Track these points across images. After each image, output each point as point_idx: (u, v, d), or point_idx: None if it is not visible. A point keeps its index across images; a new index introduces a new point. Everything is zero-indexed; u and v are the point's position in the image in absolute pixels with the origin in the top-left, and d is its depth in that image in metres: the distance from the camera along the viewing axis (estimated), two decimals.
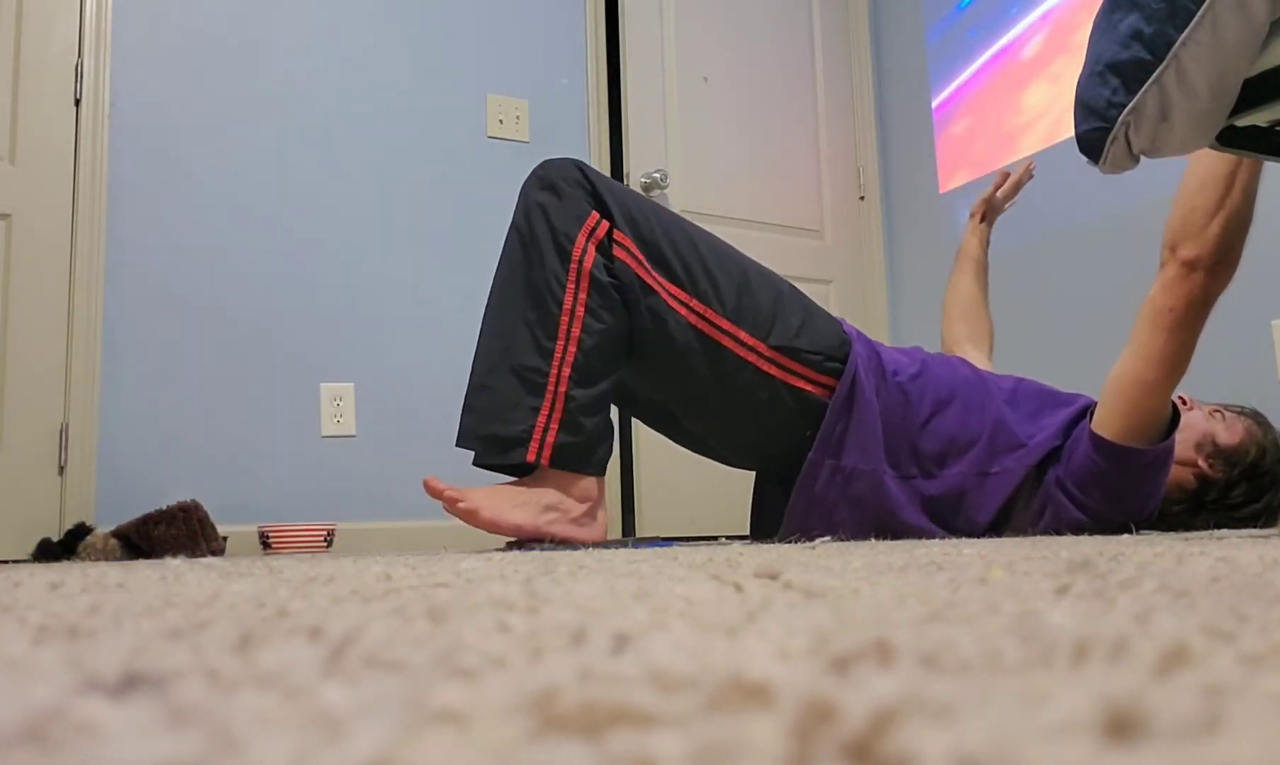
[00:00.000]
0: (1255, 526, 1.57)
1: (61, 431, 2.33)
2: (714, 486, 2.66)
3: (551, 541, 1.43)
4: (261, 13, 2.70)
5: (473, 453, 1.49)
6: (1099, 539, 1.22)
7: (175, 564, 0.93)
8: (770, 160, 3.33)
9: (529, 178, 1.56)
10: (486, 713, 0.20)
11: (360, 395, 2.66)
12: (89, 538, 1.75)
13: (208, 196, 2.57)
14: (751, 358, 1.51)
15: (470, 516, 1.41)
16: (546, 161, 1.56)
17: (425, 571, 0.71)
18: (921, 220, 3.41)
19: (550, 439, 1.43)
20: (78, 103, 2.45)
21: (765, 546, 1.24)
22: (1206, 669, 0.25)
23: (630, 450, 2.96)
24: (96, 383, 2.38)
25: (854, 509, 1.53)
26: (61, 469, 2.32)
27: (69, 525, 1.99)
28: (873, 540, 1.39)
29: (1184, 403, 1.59)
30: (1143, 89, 0.98)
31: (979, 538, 1.46)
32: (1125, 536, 1.32)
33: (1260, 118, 1.05)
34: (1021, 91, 3.07)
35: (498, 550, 1.41)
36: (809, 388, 1.53)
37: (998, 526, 1.56)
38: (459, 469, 1.55)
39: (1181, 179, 1.37)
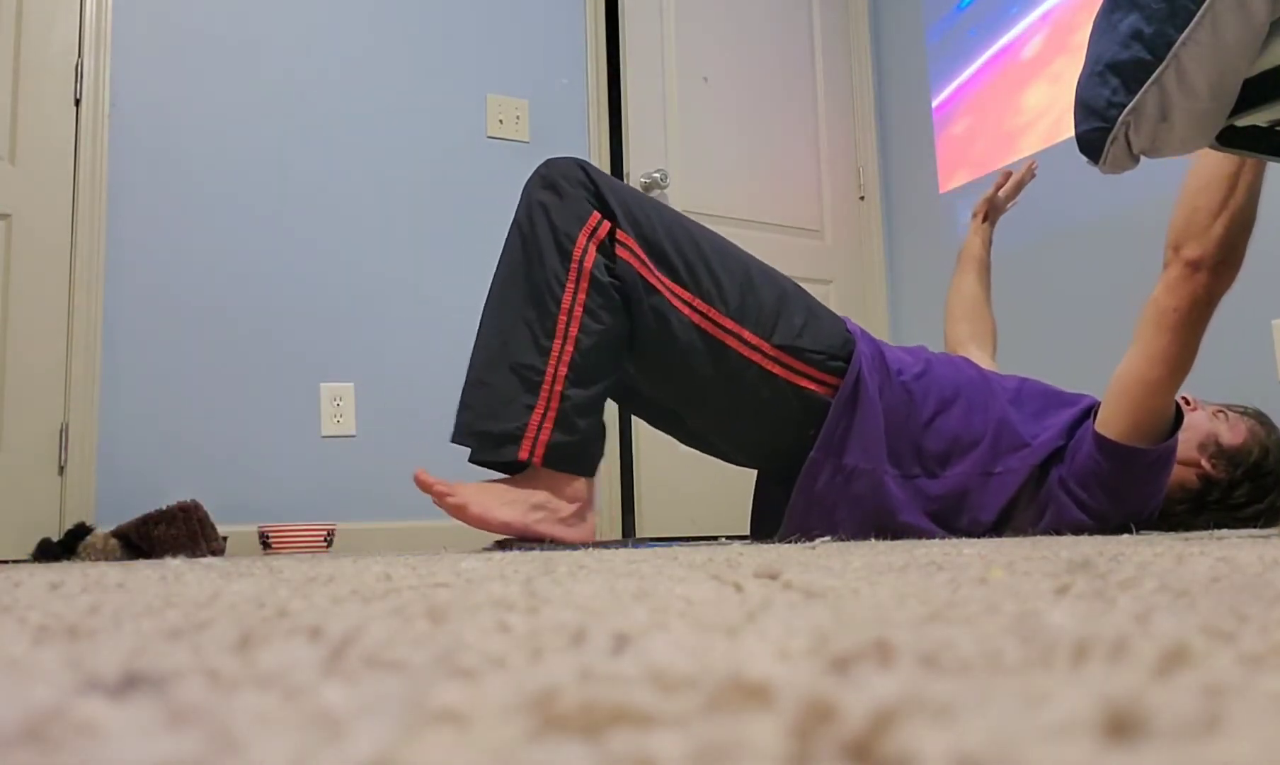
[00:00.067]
0: (1258, 526, 1.57)
1: (61, 431, 2.33)
2: (714, 486, 2.66)
3: (539, 540, 1.43)
4: (261, 13, 2.70)
5: (468, 449, 1.50)
6: (1099, 539, 1.22)
7: (175, 564, 0.93)
8: (770, 160, 3.33)
9: (531, 176, 1.56)
10: (486, 713, 0.20)
11: (360, 395, 2.66)
12: (89, 538, 1.75)
13: (208, 196, 2.57)
14: (755, 357, 1.51)
15: (458, 511, 1.41)
16: (549, 160, 1.56)
17: (425, 571, 0.71)
18: (921, 220, 3.41)
19: (544, 437, 1.43)
20: (78, 103, 2.45)
21: (765, 546, 1.24)
22: (1206, 669, 0.25)
23: (630, 450, 2.96)
24: (96, 383, 2.38)
25: (854, 508, 1.53)
26: (61, 469, 2.32)
27: (69, 525, 1.99)
28: (873, 540, 1.39)
29: (1187, 403, 1.60)
30: (1143, 89, 0.98)
31: (980, 537, 1.46)
32: (1125, 536, 1.32)
33: (1260, 118, 1.05)
34: (1021, 91, 3.07)
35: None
36: (812, 387, 1.53)
37: (999, 526, 1.56)
38: (459, 469, 1.55)
39: (1185, 179, 1.37)
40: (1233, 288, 1.39)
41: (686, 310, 1.50)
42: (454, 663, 0.27)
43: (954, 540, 1.31)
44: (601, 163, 3.07)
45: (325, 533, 2.28)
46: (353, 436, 2.63)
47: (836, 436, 1.52)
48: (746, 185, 3.26)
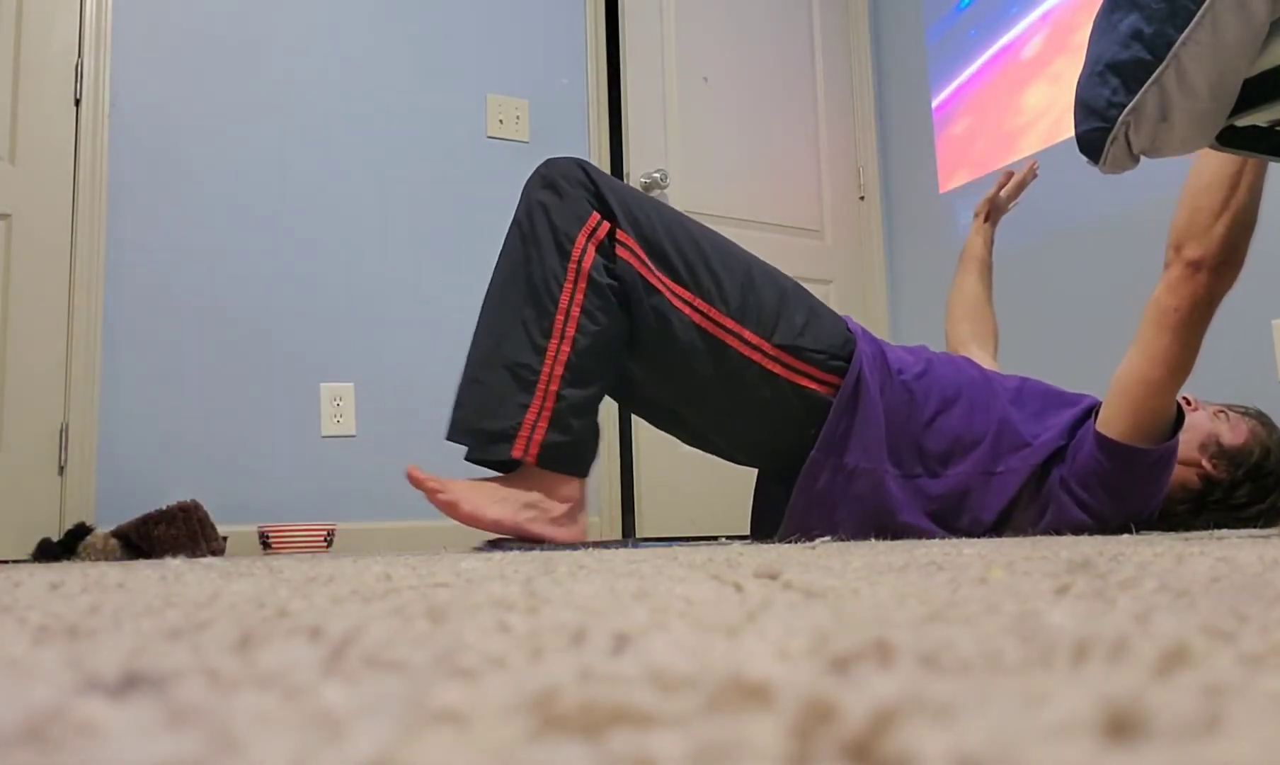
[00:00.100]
0: (1259, 526, 1.57)
1: (61, 431, 2.33)
2: (714, 486, 2.66)
3: (530, 540, 1.42)
4: (261, 13, 2.70)
5: (463, 447, 1.50)
6: (1099, 539, 1.22)
7: (175, 564, 0.93)
8: (770, 160, 3.33)
9: (532, 176, 1.56)
10: (486, 713, 0.20)
11: (360, 395, 2.66)
12: (89, 538, 1.75)
13: (208, 196, 2.57)
14: (755, 356, 1.51)
15: (449, 509, 1.41)
16: (550, 160, 1.56)
17: (425, 571, 0.71)
18: (921, 220, 3.41)
19: (538, 437, 1.43)
20: (78, 103, 2.45)
21: (765, 546, 1.24)
22: (1206, 669, 0.25)
23: (630, 450, 2.96)
24: (96, 383, 2.38)
25: (854, 508, 1.53)
26: (61, 469, 2.32)
27: (69, 525, 1.99)
28: (873, 540, 1.39)
29: (1188, 403, 1.60)
30: (1143, 89, 0.98)
31: (980, 537, 1.46)
32: (1125, 536, 1.32)
33: (1260, 118, 1.05)
34: (1021, 91, 3.07)
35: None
36: (813, 386, 1.53)
37: (999, 526, 1.56)
38: (458, 468, 1.55)
39: (1186, 179, 1.37)
40: (1233, 288, 1.39)
41: (687, 310, 1.50)
42: (454, 663, 0.27)
43: (954, 540, 1.31)
44: (601, 163, 3.07)
45: (325, 533, 2.28)
46: (353, 436, 2.63)
47: (837, 436, 1.52)
48: (746, 185, 3.26)
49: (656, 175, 3.05)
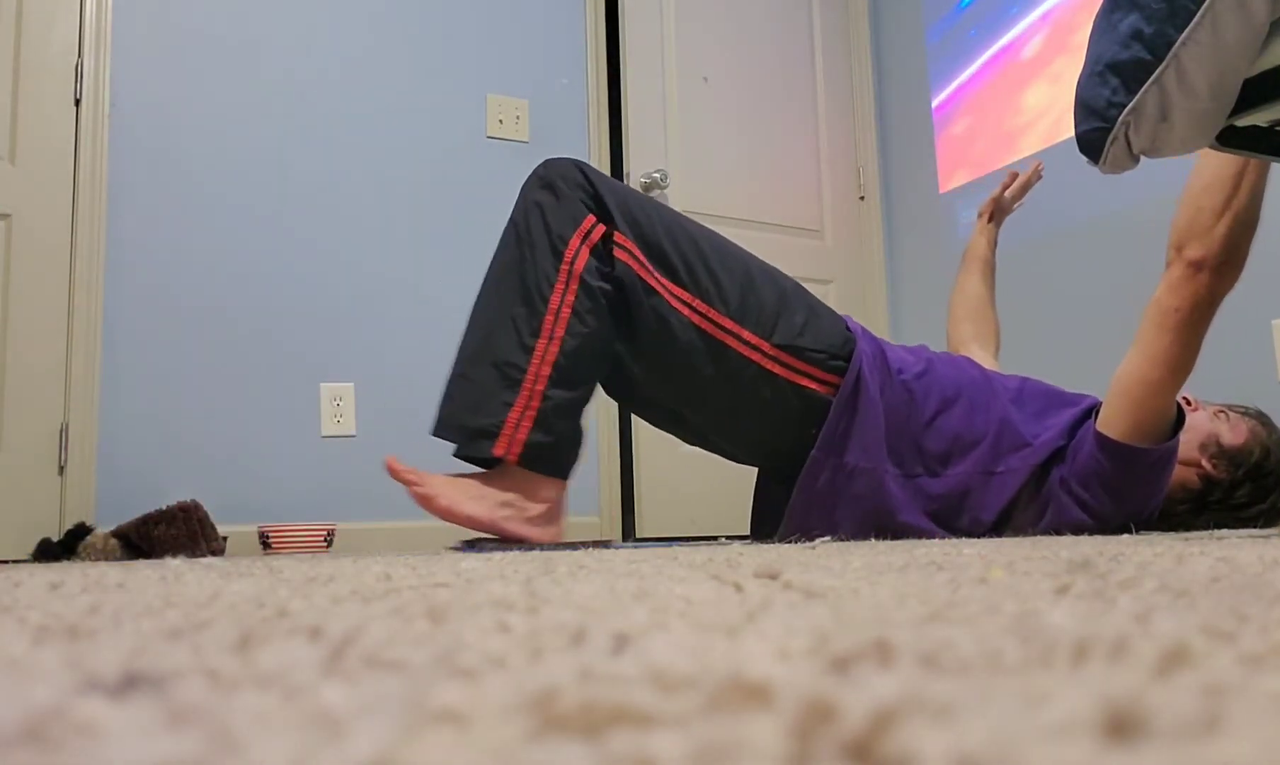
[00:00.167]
0: (1259, 526, 1.58)
1: (61, 431, 2.33)
2: (714, 486, 2.66)
3: (507, 539, 1.42)
4: (261, 13, 2.70)
5: (452, 443, 1.50)
6: (1099, 539, 1.22)
7: (175, 564, 0.93)
8: (770, 160, 3.33)
9: (530, 176, 1.57)
10: (486, 713, 0.20)
11: (360, 395, 2.66)
12: (89, 538, 1.75)
13: (208, 196, 2.57)
14: (755, 356, 1.51)
15: (426, 502, 1.41)
16: (548, 161, 1.56)
17: (425, 571, 0.71)
18: (921, 220, 3.41)
19: (521, 436, 1.43)
20: (78, 103, 2.45)
21: (765, 546, 1.24)
22: (1206, 669, 0.25)
23: (630, 450, 2.96)
24: (96, 383, 2.38)
25: (854, 508, 1.53)
26: (61, 469, 2.32)
27: (69, 525, 1.99)
28: (873, 540, 1.39)
29: (1188, 403, 1.60)
30: (1143, 89, 0.98)
31: (980, 537, 1.46)
32: (1125, 536, 1.32)
33: (1260, 118, 1.05)
34: (1021, 91, 3.07)
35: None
36: (813, 386, 1.53)
37: (999, 526, 1.56)
38: (457, 468, 1.55)
39: (1188, 179, 1.37)
40: (1234, 288, 1.39)
41: (686, 311, 1.50)
42: (454, 663, 0.27)
43: (954, 540, 1.31)
44: (601, 163, 3.07)
45: (325, 533, 2.28)
46: (353, 436, 2.63)
47: (837, 435, 1.52)
48: (746, 185, 3.26)
49: (656, 175, 3.05)
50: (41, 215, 2.38)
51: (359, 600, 0.47)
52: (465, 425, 1.46)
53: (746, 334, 1.51)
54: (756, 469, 1.72)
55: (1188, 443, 1.55)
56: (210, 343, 2.52)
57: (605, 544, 1.50)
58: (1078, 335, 2.77)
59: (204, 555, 1.60)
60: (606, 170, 3.07)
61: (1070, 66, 2.83)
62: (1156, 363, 1.43)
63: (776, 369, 1.52)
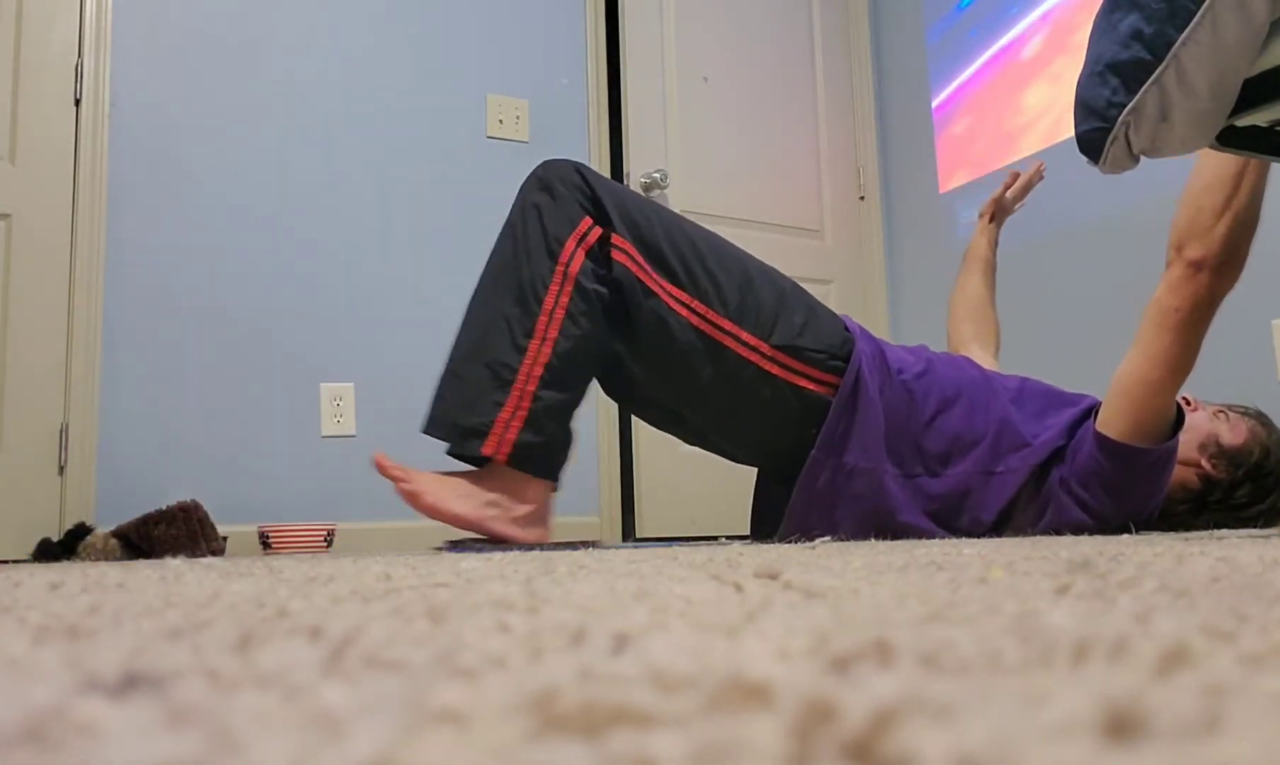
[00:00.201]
0: (1259, 526, 1.58)
1: (61, 431, 2.33)
2: (714, 486, 2.66)
3: (493, 538, 1.43)
4: (261, 13, 2.70)
5: (442, 441, 1.50)
6: (1099, 539, 1.22)
7: (175, 564, 0.93)
8: (770, 160, 3.33)
9: (528, 177, 1.57)
10: (486, 713, 0.20)
11: (360, 395, 2.66)
12: (89, 538, 1.75)
13: (208, 196, 2.57)
14: (754, 358, 1.51)
15: (412, 498, 1.41)
16: (547, 162, 1.56)
17: (425, 571, 0.71)
18: (921, 220, 3.41)
19: (511, 436, 1.43)
20: (78, 103, 2.45)
21: (765, 546, 1.24)
22: (1206, 669, 0.25)
23: (630, 450, 2.96)
24: (96, 383, 2.38)
25: (854, 508, 1.53)
26: (61, 469, 2.32)
27: (69, 525, 1.99)
28: (873, 540, 1.39)
29: (1188, 403, 1.60)
30: (1143, 89, 0.98)
31: (980, 537, 1.46)
32: (1125, 536, 1.32)
33: (1260, 118, 1.05)
34: (1021, 91, 3.07)
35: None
36: (812, 387, 1.53)
37: (999, 526, 1.56)
38: (454, 468, 1.55)
39: (1188, 179, 1.37)
40: (1234, 288, 1.39)
41: (684, 312, 1.50)
42: (454, 663, 0.27)
43: (954, 540, 1.31)
44: (601, 163, 3.07)
45: (325, 533, 2.28)
46: (353, 436, 2.63)
47: (837, 436, 1.52)
48: (746, 185, 3.26)
49: (656, 175, 3.04)
50: (41, 215, 2.38)
51: (359, 600, 0.47)
52: (456, 423, 1.46)
53: (745, 335, 1.51)
54: (756, 469, 1.72)
55: (1187, 443, 1.55)
56: (210, 343, 2.52)
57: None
58: (1078, 335, 2.77)
59: (204, 555, 1.60)
60: (606, 170, 3.07)
61: (1070, 66, 2.83)
62: (1156, 362, 1.43)
63: (775, 370, 1.52)
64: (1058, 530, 1.51)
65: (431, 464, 1.49)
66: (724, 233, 1.65)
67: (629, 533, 2.97)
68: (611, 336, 1.53)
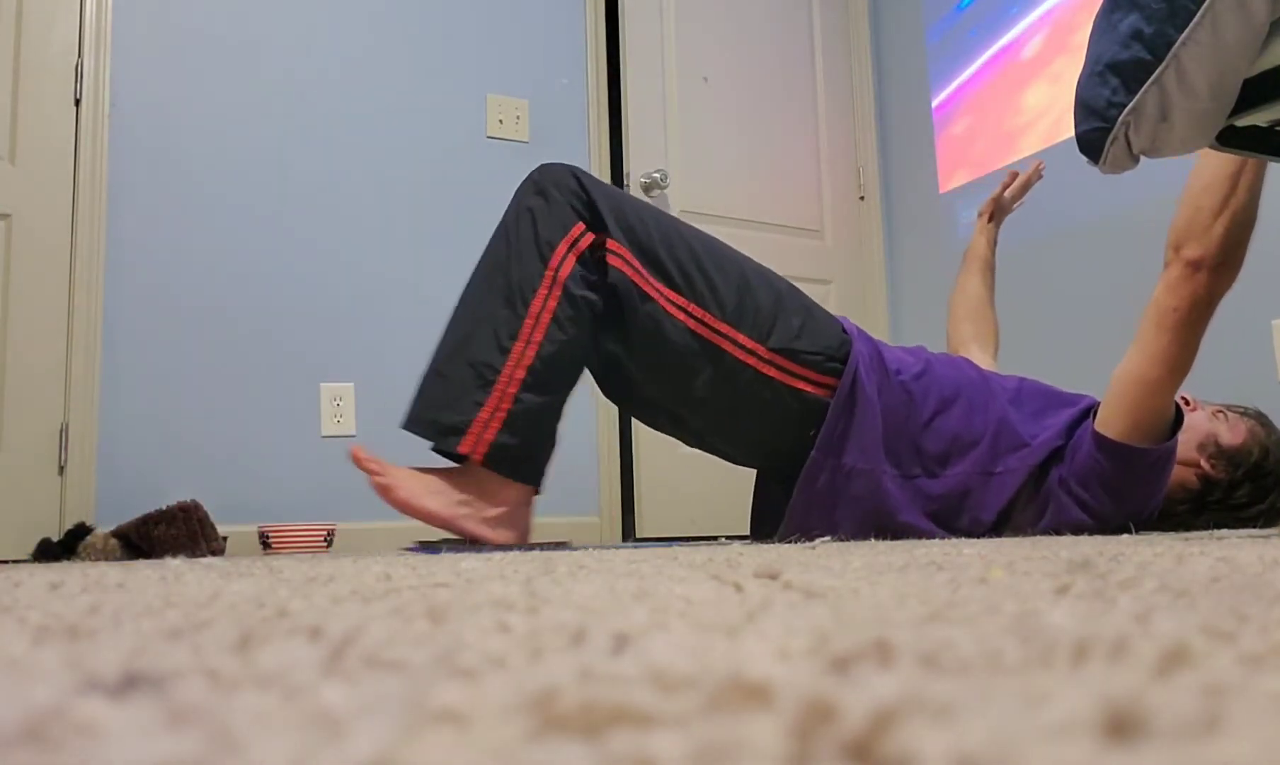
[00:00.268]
0: (1258, 526, 1.58)
1: (61, 431, 2.33)
2: (714, 486, 2.66)
3: (465, 538, 1.43)
4: (261, 13, 2.70)
5: (421, 437, 1.50)
6: (1099, 539, 1.22)
7: (175, 564, 0.93)
8: (770, 160, 3.33)
9: (525, 180, 1.57)
10: (486, 713, 0.20)
11: (360, 395, 2.66)
12: (89, 538, 1.75)
13: (208, 196, 2.57)
14: (751, 361, 1.51)
15: (385, 492, 1.42)
16: (544, 165, 1.57)
17: (425, 571, 0.71)
18: (921, 220, 3.41)
19: (489, 436, 1.43)
20: (78, 103, 2.45)
21: (765, 546, 1.24)
22: (1206, 669, 0.25)
23: (630, 450, 2.96)
24: (96, 383, 2.38)
25: (853, 508, 1.53)
26: (61, 469, 2.32)
27: (69, 525, 1.99)
28: (873, 540, 1.39)
29: (1187, 403, 1.60)
30: (1143, 89, 0.98)
31: (980, 537, 1.46)
32: (1125, 536, 1.32)
33: (1260, 118, 1.05)
34: (1021, 91, 3.07)
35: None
36: (810, 389, 1.53)
37: (999, 526, 1.56)
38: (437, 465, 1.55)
39: (1187, 179, 1.37)
40: (1233, 288, 1.39)
41: (681, 316, 1.50)
42: (454, 663, 0.27)
43: (954, 540, 1.31)
44: (601, 163, 3.07)
45: (325, 533, 2.28)
46: (353, 436, 2.63)
47: (835, 437, 1.52)
48: (746, 185, 3.26)
49: (656, 175, 3.04)
50: (41, 215, 2.38)
51: (359, 600, 0.47)
52: (436, 420, 1.46)
53: (742, 338, 1.51)
54: (756, 470, 1.72)
55: (1186, 443, 1.55)
56: (210, 343, 2.52)
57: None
58: (1078, 335, 2.77)
59: (204, 555, 1.60)
60: (606, 170, 3.07)
61: (1070, 66, 2.83)
62: (1155, 362, 1.43)
63: (773, 372, 1.52)
64: (1057, 530, 1.51)
65: (430, 463, 1.49)
66: (724, 233, 1.65)
67: (629, 533, 2.97)
68: (608, 340, 1.53)
